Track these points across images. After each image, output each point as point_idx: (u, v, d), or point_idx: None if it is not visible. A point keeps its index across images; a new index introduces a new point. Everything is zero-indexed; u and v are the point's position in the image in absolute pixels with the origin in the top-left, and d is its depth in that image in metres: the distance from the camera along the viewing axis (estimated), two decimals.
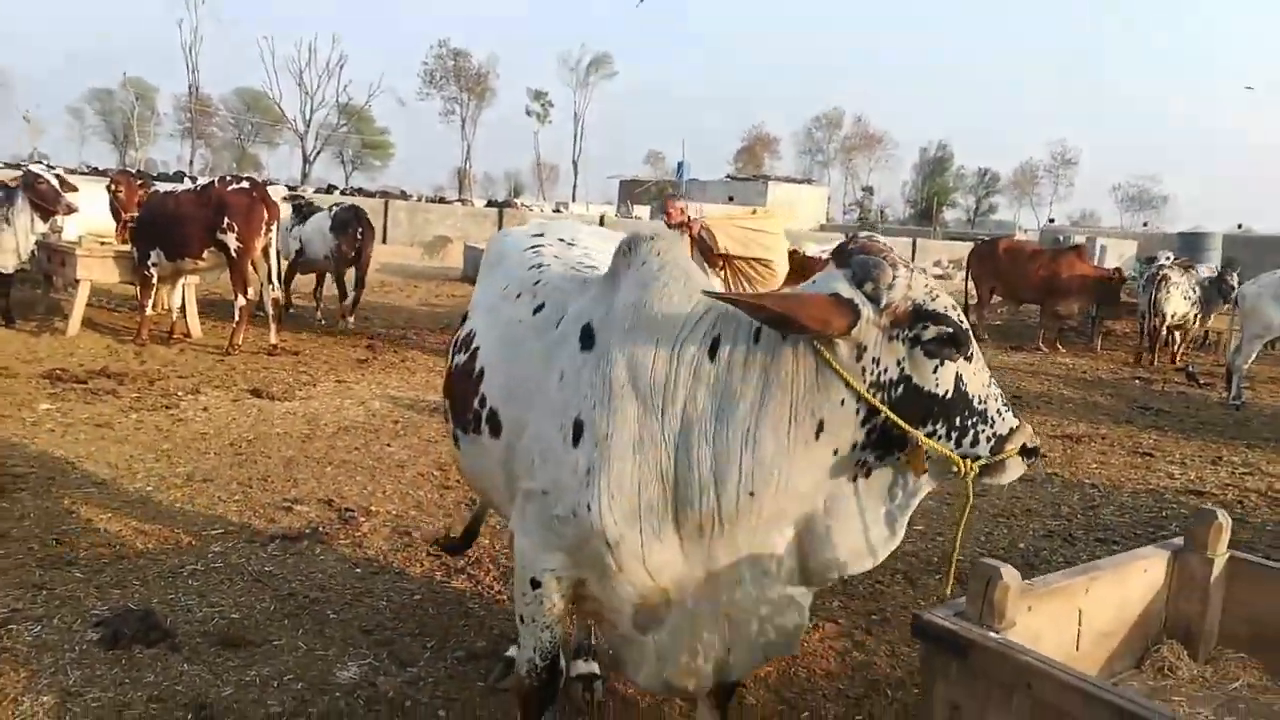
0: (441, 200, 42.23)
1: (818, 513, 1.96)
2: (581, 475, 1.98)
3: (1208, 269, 14.63)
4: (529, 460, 2.13)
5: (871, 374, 1.88)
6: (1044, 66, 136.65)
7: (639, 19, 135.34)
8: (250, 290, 8.71)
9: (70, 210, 8.58)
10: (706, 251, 6.79)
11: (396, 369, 8.83)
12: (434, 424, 6.46)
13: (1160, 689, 2.38)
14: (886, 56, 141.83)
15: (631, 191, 64.01)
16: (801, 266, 8.48)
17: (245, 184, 8.73)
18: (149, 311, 8.98)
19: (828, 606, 4.06)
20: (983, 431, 1.93)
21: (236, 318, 8.75)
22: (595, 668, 3.16)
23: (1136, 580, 2.40)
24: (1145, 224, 59.88)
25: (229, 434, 6.08)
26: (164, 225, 8.55)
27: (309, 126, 65.72)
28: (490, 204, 40.63)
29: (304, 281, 12.24)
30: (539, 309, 2.35)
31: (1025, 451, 1.98)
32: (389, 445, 6.08)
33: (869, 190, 69.39)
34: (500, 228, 26.31)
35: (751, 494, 1.91)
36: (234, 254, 8.46)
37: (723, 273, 6.93)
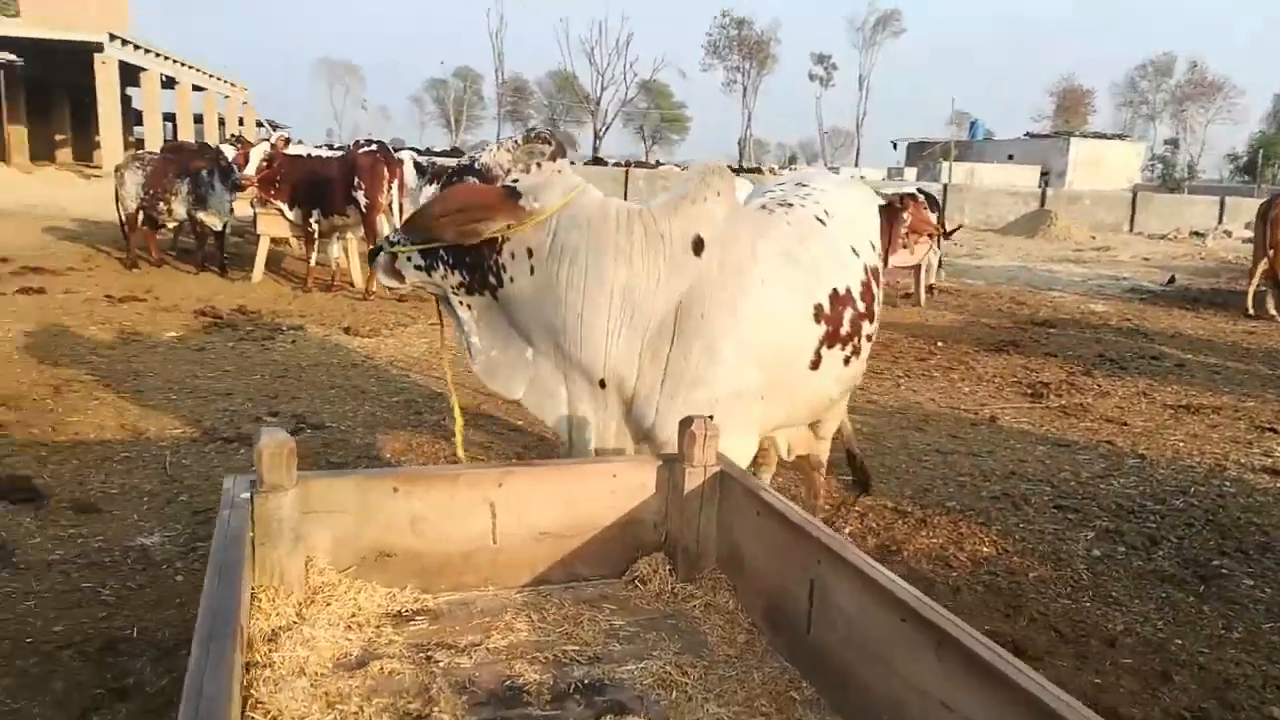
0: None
1: None
2: None
3: None
4: None
5: None
6: None
7: None
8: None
9: (238, 187, 9.79)
10: None
11: None
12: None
13: (623, 598, 2.23)
14: None
15: (919, 154, 60.84)
16: None
17: (372, 147, 9.73)
18: (312, 262, 10.31)
19: None
20: None
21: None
22: None
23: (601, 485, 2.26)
24: None
25: (292, 361, 6.97)
26: (315, 187, 9.76)
27: (599, 104, 69.36)
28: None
29: None
30: None
31: None
32: (411, 375, 6.65)
33: (1173, 143, 60.65)
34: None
35: None
36: (363, 209, 9.50)
37: None
